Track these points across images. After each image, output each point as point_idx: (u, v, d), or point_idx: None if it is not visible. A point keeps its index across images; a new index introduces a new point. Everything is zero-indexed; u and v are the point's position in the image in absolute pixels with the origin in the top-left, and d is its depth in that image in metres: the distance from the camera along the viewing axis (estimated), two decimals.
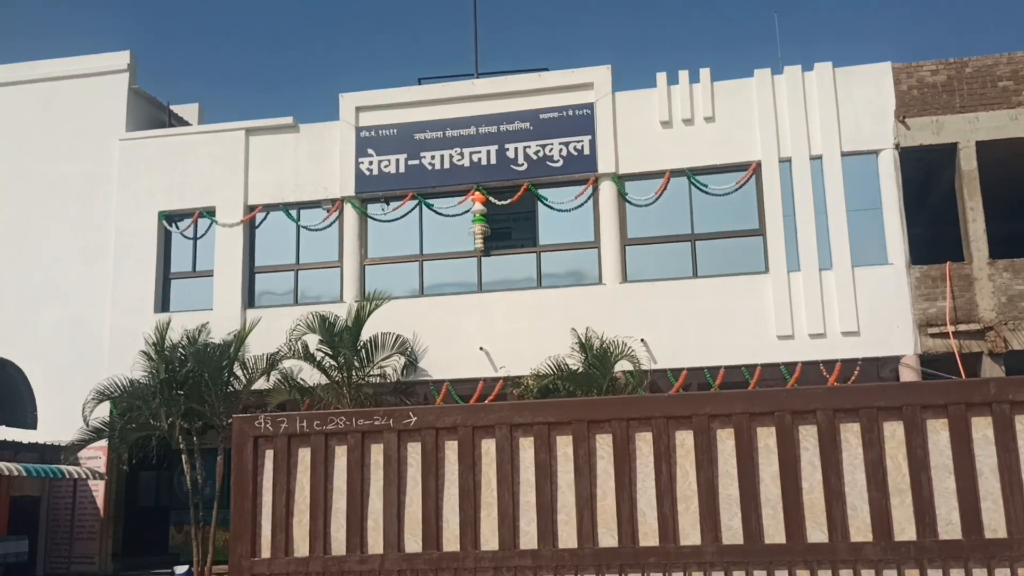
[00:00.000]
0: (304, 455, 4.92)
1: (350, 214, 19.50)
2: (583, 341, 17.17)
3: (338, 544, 4.83)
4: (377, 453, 4.89)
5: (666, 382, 17.27)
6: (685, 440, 4.96)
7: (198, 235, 20.11)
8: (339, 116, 19.68)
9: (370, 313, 17.82)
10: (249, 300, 19.73)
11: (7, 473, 15.82)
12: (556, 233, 18.84)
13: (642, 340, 17.29)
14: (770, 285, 17.39)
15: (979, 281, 16.44)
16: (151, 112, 21.48)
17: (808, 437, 5.17)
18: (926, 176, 18.02)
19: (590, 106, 18.63)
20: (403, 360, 18.35)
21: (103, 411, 18.26)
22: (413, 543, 4.77)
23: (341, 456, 4.91)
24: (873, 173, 17.35)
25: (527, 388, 17.68)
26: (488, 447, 4.87)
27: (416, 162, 19.26)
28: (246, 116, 20.56)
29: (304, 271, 19.88)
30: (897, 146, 17.12)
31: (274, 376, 18.29)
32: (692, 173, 18.05)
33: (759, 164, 17.77)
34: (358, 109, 19.67)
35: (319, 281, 19.82)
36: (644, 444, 4.88)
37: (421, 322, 18.39)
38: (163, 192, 20.12)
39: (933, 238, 18.02)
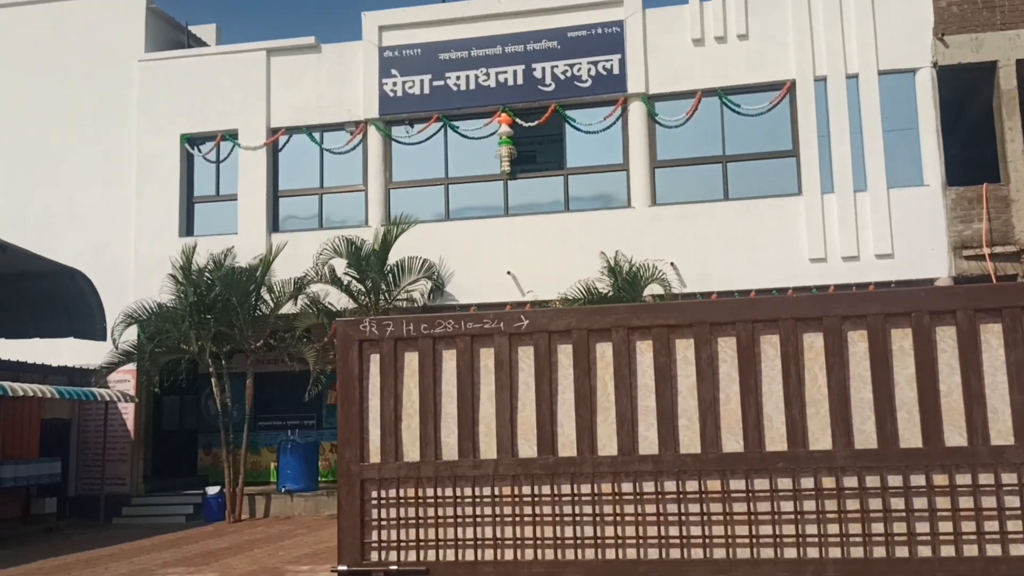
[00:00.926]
0: (411, 359, 4.55)
1: (374, 137, 18.86)
2: (612, 265, 16.78)
3: (449, 449, 4.50)
4: (487, 357, 4.52)
5: None
6: (814, 342, 4.58)
7: (221, 158, 19.44)
8: (362, 36, 18.94)
9: (397, 237, 17.37)
10: (274, 224, 19.19)
11: (40, 395, 15.51)
12: (584, 155, 18.23)
13: (671, 264, 16.87)
14: (803, 207, 16.89)
15: (1016, 203, 15.97)
16: (169, 33, 20.64)
17: (946, 338, 4.79)
18: (964, 95, 17.37)
19: (619, 24, 17.89)
20: (430, 284, 17.96)
21: (131, 335, 17.95)
22: (527, 448, 4.44)
23: (450, 360, 4.54)
24: (910, 92, 16.73)
25: None
26: (603, 351, 4.50)
27: (441, 83, 18.57)
28: (264, 39, 19.71)
29: (328, 195, 19.32)
30: (935, 64, 16.48)
31: (301, 300, 17.91)
32: (724, 93, 17.40)
33: (793, 83, 17.11)
34: (381, 28, 18.87)
35: (344, 205, 19.28)
36: (770, 347, 4.50)
37: (447, 246, 17.94)
38: (184, 115, 19.38)
39: (970, 159, 17.45)
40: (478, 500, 4.42)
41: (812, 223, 16.74)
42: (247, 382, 17.94)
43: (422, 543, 4.41)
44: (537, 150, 18.81)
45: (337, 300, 17.69)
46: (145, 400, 18.96)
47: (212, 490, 18.01)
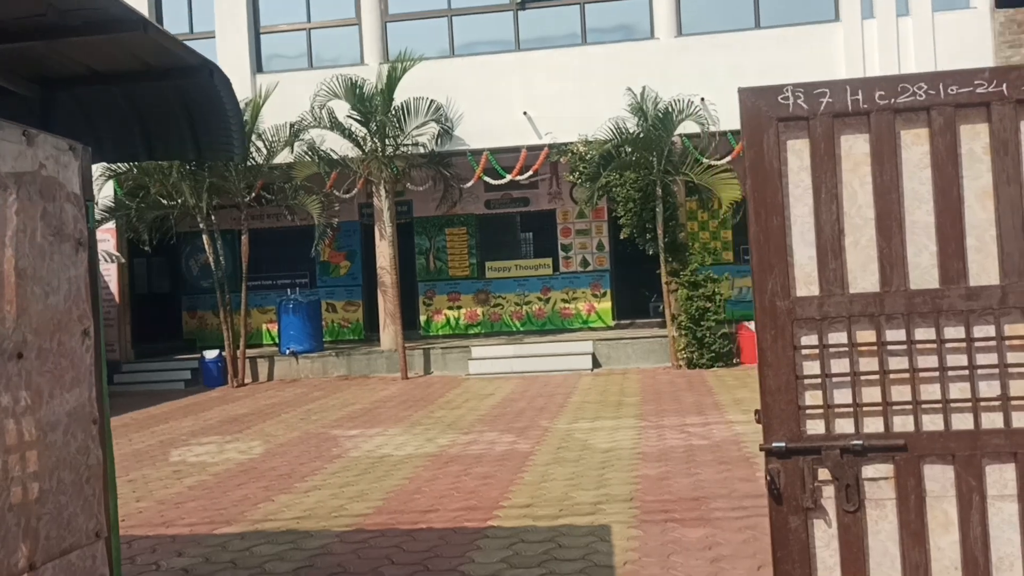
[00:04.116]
0: (854, 145, 2.69)
1: None
2: (639, 102, 14.90)
3: (921, 273, 2.73)
4: (972, 138, 2.72)
5: (727, 145, 15.24)
6: None
7: None
8: None
9: (402, 75, 14.77)
10: (257, 65, 16.48)
11: None
12: None
13: (701, 99, 14.94)
14: (841, 34, 14.82)
15: None
16: None
17: None
18: None
19: None
20: (438, 128, 15.69)
21: (109, 191, 15.38)
22: None
23: (914, 144, 2.70)
24: None
25: (578, 155, 15.49)
26: None
27: None
28: None
29: (318, 30, 16.33)
30: None
31: (297, 147, 15.56)
32: None
33: None
34: None
35: (335, 41, 16.32)
36: None
37: (455, 86, 15.43)
38: None
39: None
40: (975, 345, 2.71)
41: (851, 51, 14.77)
42: (242, 238, 15.63)
43: (891, 407, 2.68)
44: None
45: (338, 146, 15.23)
46: (128, 261, 16.55)
47: (210, 354, 15.81)
